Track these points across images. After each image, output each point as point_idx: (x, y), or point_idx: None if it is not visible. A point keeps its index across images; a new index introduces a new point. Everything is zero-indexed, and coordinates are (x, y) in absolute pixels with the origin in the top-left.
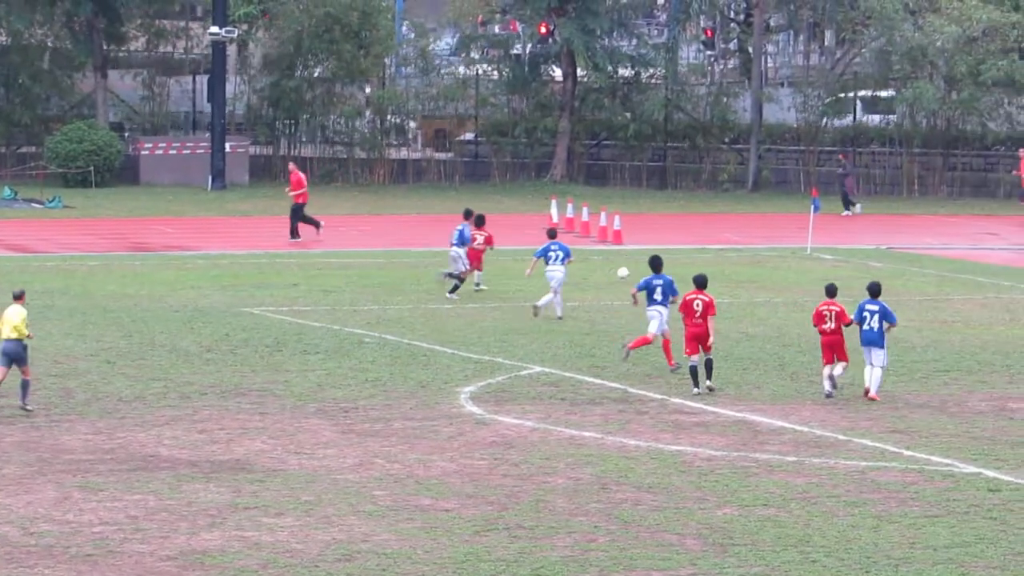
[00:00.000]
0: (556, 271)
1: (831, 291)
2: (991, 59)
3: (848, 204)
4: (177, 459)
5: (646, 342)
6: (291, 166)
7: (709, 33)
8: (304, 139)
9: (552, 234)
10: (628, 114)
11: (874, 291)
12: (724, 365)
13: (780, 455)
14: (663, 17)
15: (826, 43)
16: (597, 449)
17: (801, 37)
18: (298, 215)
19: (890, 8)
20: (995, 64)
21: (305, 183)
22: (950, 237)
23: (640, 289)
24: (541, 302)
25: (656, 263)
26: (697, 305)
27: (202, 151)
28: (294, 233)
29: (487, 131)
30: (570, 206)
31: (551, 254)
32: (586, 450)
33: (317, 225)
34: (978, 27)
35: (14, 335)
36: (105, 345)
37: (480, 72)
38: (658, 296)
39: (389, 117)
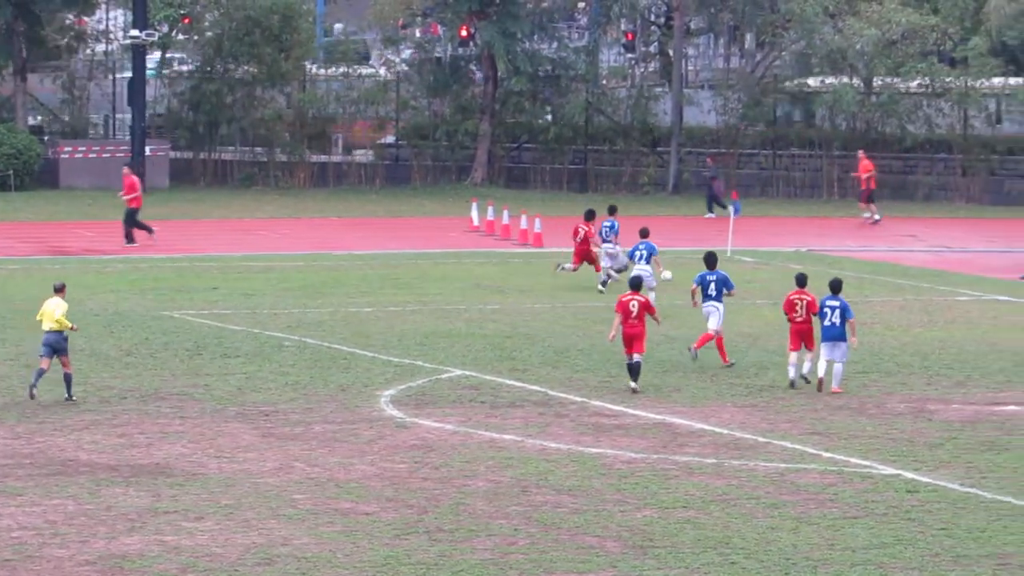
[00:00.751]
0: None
1: (801, 281)
2: (910, 62)
3: (712, 206)
4: (96, 463)
5: (710, 339)
6: (125, 170)
7: (630, 36)
8: (225, 142)
9: (644, 233)
10: (549, 117)
11: (835, 287)
12: (644, 367)
13: (700, 457)
14: (584, 20)
15: (746, 46)
16: (517, 452)
17: (721, 40)
18: (131, 219)
19: (810, 11)
20: (914, 67)
21: (139, 187)
22: (869, 239)
23: (696, 285)
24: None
25: (711, 260)
26: (633, 306)
27: (122, 155)
28: (128, 237)
29: (408, 134)
30: (491, 209)
31: (637, 253)
32: (506, 453)
33: (149, 230)
34: (897, 30)
35: (56, 327)
36: (24, 350)
37: (401, 75)
38: (712, 291)
39: (310, 120)
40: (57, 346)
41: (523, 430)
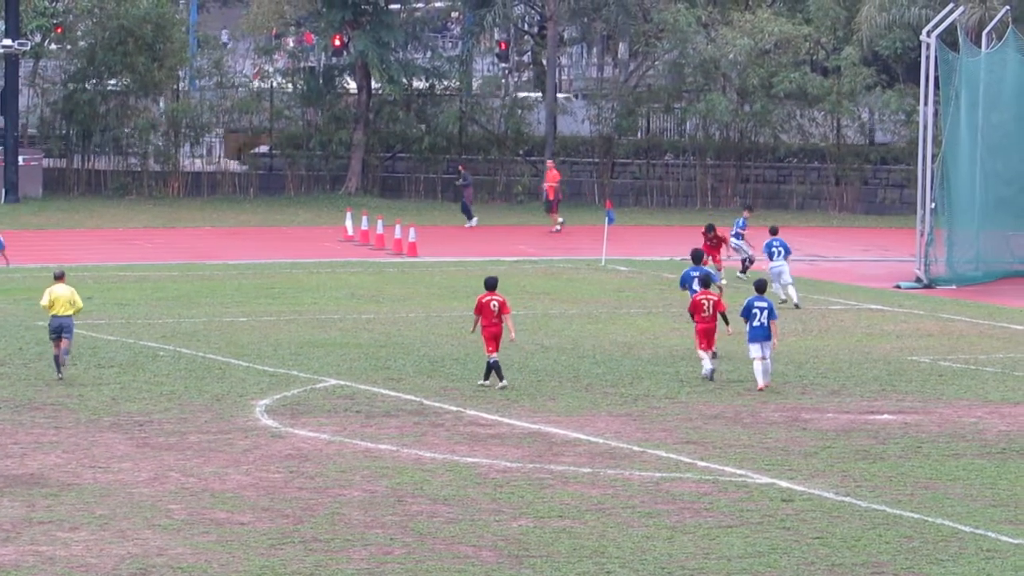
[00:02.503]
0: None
1: (705, 283)
2: (783, 71)
3: (469, 215)
4: None
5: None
6: None
7: (503, 46)
8: (98, 152)
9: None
10: (423, 127)
11: (761, 288)
12: (519, 377)
13: (575, 467)
14: (457, 30)
15: (619, 55)
16: (393, 462)
17: (595, 50)
18: None
19: (683, 21)
20: (787, 76)
21: None
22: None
23: (681, 283)
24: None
25: (696, 255)
26: (494, 306)
27: None
28: None
29: (282, 144)
30: (365, 218)
31: (773, 250)
32: (382, 463)
33: None
34: (770, 40)
35: (70, 311)
36: None
37: (275, 84)
38: (696, 287)
39: (183, 129)
40: (68, 328)
41: (398, 440)
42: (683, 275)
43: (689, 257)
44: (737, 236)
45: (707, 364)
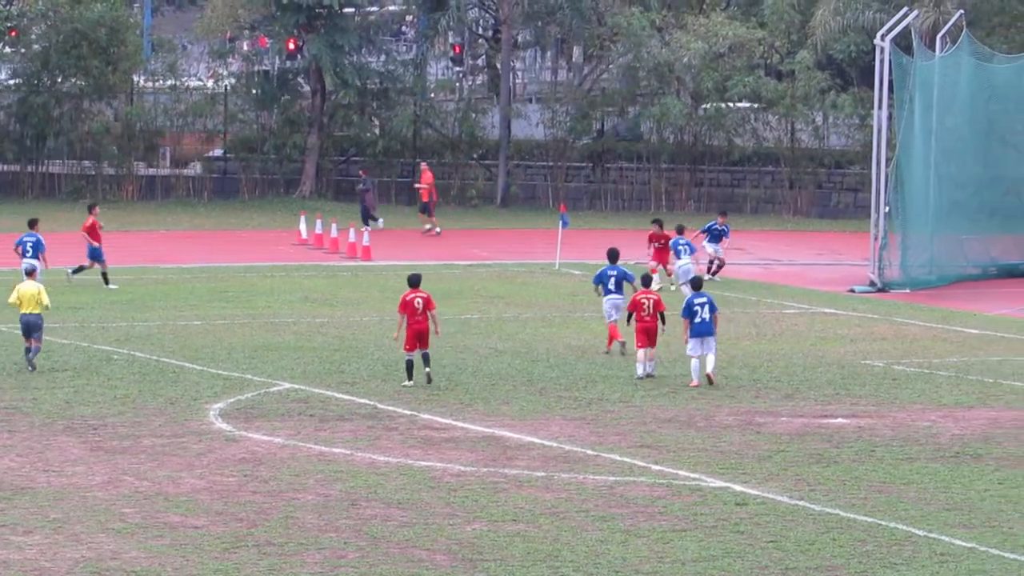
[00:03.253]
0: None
1: (696, 284)
2: (737, 75)
3: (368, 219)
4: None
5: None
6: None
7: (457, 49)
8: (52, 155)
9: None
10: (377, 130)
11: (697, 285)
12: (473, 380)
13: (529, 470)
14: (411, 33)
15: (574, 59)
16: (347, 465)
17: (549, 53)
18: None
19: (637, 25)
20: (741, 80)
21: None
22: (697, 252)
23: (595, 281)
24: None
25: (612, 254)
26: (418, 303)
27: None
28: None
29: (236, 147)
30: (319, 222)
31: (680, 248)
32: (335, 466)
33: None
34: (724, 43)
35: (37, 309)
36: None
37: (229, 88)
38: (612, 285)
39: (138, 132)
40: (36, 327)
41: (352, 443)
42: (599, 273)
43: (606, 256)
44: (715, 239)
45: (640, 369)
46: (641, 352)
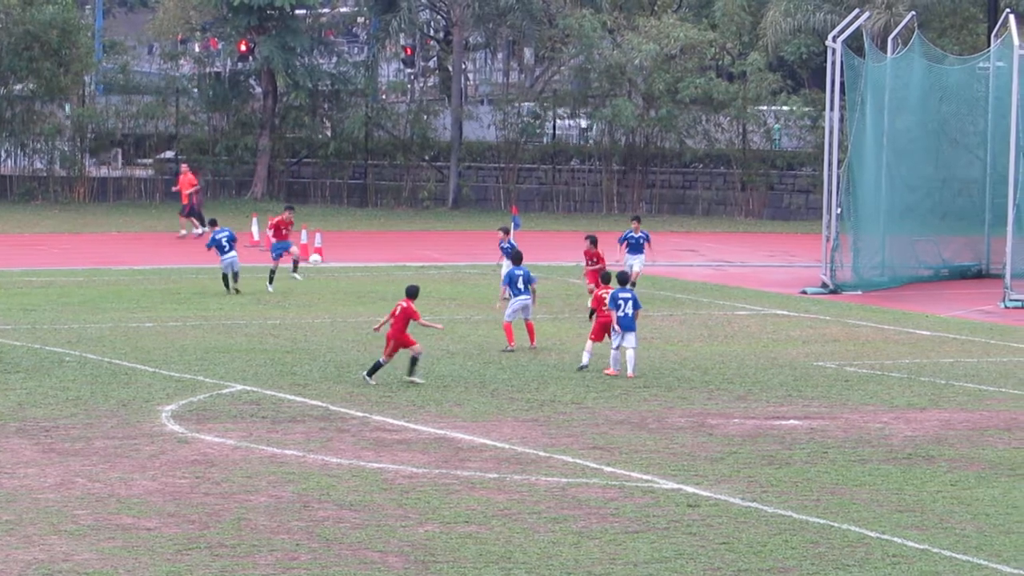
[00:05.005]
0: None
1: (622, 279)
2: (689, 77)
3: (203, 220)
4: None
5: (531, 328)
6: None
7: (409, 51)
8: (3, 157)
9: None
10: (329, 132)
11: (623, 280)
12: (425, 382)
13: (481, 472)
14: (363, 35)
15: (525, 61)
16: (299, 467)
17: (500, 55)
18: None
19: (588, 27)
20: (693, 82)
21: None
22: (649, 254)
23: (504, 283)
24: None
25: (517, 257)
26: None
27: None
28: None
29: (187, 149)
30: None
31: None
32: (288, 468)
33: None
34: (676, 45)
35: None
36: None
37: (180, 90)
38: (520, 285)
39: (89, 135)
40: None
41: (304, 445)
42: (507, 274)
43: (510, 259)
44: (636, 249)
45: (586, 358)
46: (590, 344)
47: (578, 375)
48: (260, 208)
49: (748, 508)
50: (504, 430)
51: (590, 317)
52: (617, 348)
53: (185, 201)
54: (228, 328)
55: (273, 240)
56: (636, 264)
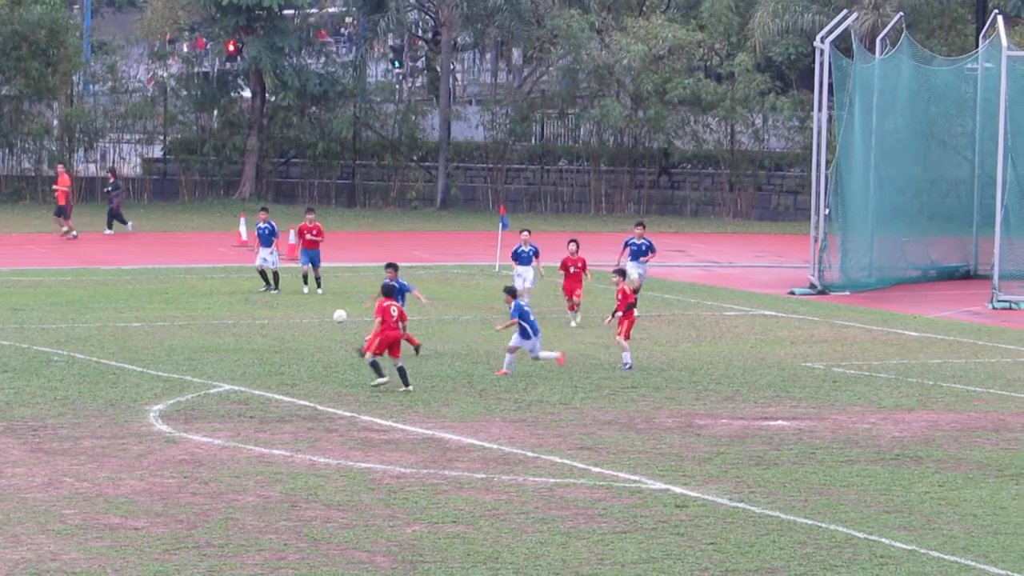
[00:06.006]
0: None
1: (390, 291)
2: (677, 78)
3: (114, 222)
4: None
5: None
6: None
7: (397, 52)
8: None
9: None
10: (317, 132)
11: (512, 293)
12: (413, 382)
13: (469, 472)
14: (347, 32)
15: (513, 61)
16: (287, 467)
17: (488, 56)
18: None
19: (576, 27)
20: (681, 82)
21: None
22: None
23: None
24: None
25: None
26: (393, 311)
27: None
28: None
29: (175, 149)
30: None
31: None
32: (275, 468)
33: None
34: (664, 46)
35: None
36: None
37: (169, 90)
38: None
39: (77, 135)
40: None
41: (292, 445)
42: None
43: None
44: (639, 254)
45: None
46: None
47: (565, 375)
48: (248, 208)
49: (736, 509)
50: (492, 430)
51: (612, 316)
52: (516, 350)
53: (62, 202)
54: (216, 328)
55: (301, 247)
56: (634, 272)
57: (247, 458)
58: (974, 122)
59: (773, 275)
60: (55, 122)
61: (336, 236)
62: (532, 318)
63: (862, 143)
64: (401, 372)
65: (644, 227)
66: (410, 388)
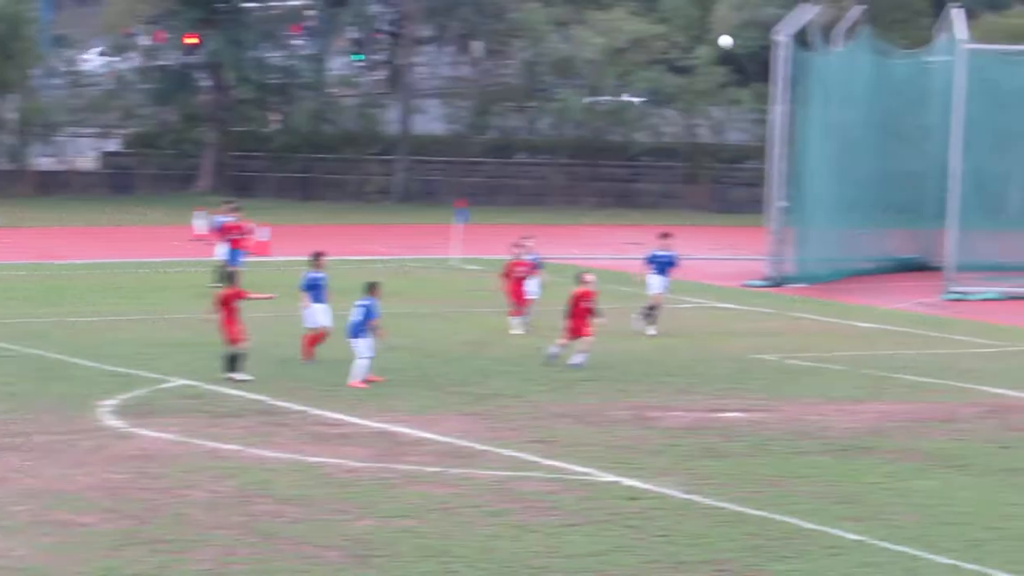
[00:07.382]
0: None
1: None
2: (637, 70)
3: None
4: None
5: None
6: None
7: (357, 45)
8: None
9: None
10: (276, 125)
11: (369, 288)
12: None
13: (421, 466)
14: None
15: (474, 55)
16: (238, 462)
17: (449, 49)
18: None
19: (537, 20)
20: (641, 75)
21: None
22: (594, 247)
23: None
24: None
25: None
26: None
27: None
28: None
29: (133, 142)
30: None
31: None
32: (227, 463)
33: None
34: (625, 39)
35: None
36: None
37: (127, 83)
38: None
39: (36, 127)
40: None
41: (244, 440)
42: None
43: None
44: (664, 267)
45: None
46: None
47: (520, 369)
48: (206, 202)
49: (688, 501)
50: (445, 424)
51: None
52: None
53: None
54: (170, 323)
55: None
56: (659, 287)
57: (199, 453)
58: (932, 115)
59: (730, 267)
60: (12, 116)
61: (294, 230)
62: None
63: (820, 136)
64: (229, 359)
65: (669, 236)
66: (236, 377)
